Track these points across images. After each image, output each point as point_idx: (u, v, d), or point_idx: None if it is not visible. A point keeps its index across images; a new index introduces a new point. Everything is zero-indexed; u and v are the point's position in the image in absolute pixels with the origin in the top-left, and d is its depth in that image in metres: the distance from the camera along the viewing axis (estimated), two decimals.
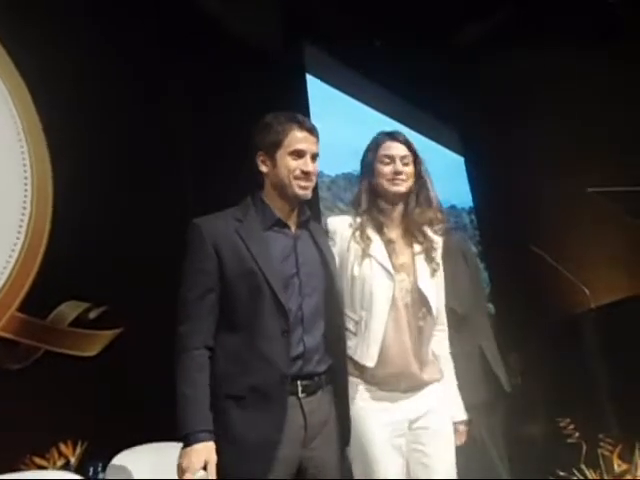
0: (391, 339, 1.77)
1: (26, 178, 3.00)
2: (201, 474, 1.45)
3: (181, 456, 1.48)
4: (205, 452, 1.46)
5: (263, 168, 1.70)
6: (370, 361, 1.75)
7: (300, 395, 1.58)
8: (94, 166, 3.23)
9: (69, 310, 3.05)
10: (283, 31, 4.82)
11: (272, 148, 1.68)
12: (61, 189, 3.12)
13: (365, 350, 1.75)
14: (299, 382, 1.58)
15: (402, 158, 1.88)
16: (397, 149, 1.89)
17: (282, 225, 1.69)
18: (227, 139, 3.95)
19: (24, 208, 2.97)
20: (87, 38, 3.38)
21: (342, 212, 2.24)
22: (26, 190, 2.99)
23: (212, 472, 1.46)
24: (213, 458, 1.47)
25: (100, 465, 2.68)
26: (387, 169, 1.87)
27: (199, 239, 1.62)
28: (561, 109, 5.57)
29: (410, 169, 1.90)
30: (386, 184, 1.87)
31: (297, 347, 1.59)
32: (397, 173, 1.85)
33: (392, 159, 1.87)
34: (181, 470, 1.47)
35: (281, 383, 1.53)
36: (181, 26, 3.90)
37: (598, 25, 5.36)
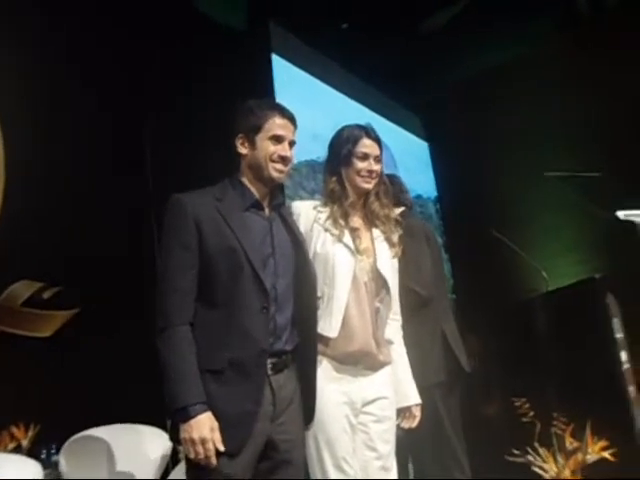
0: (353, 313, 1.83)
1: None
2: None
3: (186, 430, 1.48)
4: (209, 422, 1.49)
5: (242, 150, 1.73)
6: (332, 332, 1.79)
7: (269, 372, 1.61)
8: (50, 143, 3.13)
9: (22, 289, 2.97)
10: (249, 10, 4.74)
11: (252, 131, 1.71)
12: (13, 166, 3.02)
13: (328, 322, 1.80)
14: (268, 360, 1.61)
15: (375, 157, 1.97)
16: (373, 148, 1.96)
17: (259, 207, 1.74)
18: (191, 117, 3.89)
19: None
20: (47, 16, 3.27)
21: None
22: None
23: (218, 440, 1.49)
24: (217, 427, 1.51)
25: (54, 447, 2.63)
26: (361, 165, 1.93)
27: (181, 214, 1.61)
28: (525, 95, 5.65)
29: (379, 168, 1.98)
30: (358, 179, 1.93)
31: (269, 325, 1.62)
32: (370, 172, 1.93)
33: (367, 157, 1.94)
34: (193, 443, 1.47)
35: (259, 357, 1.57)
36: (146, 4, 3.80)
37: (559, 12, 5.46)
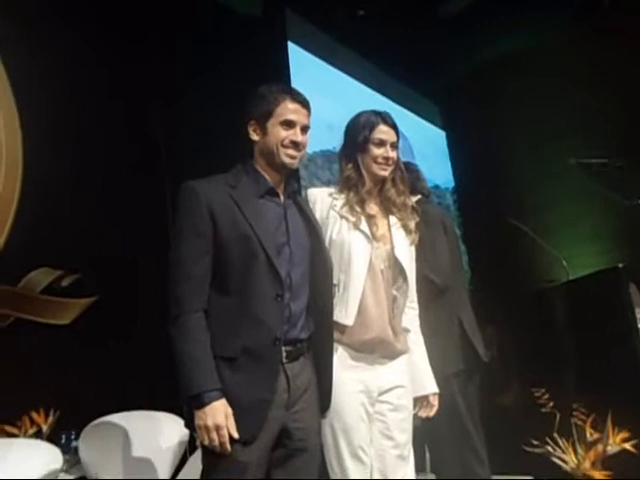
0: (369, 301, 1.81)
1: None
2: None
3: (200, 417, 1.48)
4: (224, 409, 1.49)
5: (254, 136, 1.72)
6: (349, 319, 1.78)
7: (284, 360, 1.61)
8: (67, 131, 3.14)
9: (41, 277, 2.99)
10: None
11: (264, 117, 1.69)
12: (31, 153, 3.04)
13: (344, 309, 1.79)
14: (283, 348, 1.60)
15: (392, 144, 1.95)
16: (389, 134, 1.94)
17: (273, 194, 1.71)
18: (206, 105, 3.89)
19: None
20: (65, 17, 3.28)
21: None
22: None
23: (232, 427, 1.49)
24: (231, 414, 1.50)
25: (73, 433, 2.66)
26: (378, 152, 1.92)
27: (195, 201, 1.60)
28: (543, 83, 5.55)
29: (395, 154, 1.96)
30: (374, 166, 1.92)
31: (284, 312, 1.62)
32: (386, 159, 1.92)
33: (384, 143, 1.93)
34: (208, 429, 1.48)
35: (273, 345, 1.56)
36: None
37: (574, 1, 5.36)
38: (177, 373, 1.52)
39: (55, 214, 3.02)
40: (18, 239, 2.91)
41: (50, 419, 2.73)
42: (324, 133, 3.82)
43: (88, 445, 2.47)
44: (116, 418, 2.52)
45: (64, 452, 2.49)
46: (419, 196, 2.29)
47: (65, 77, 3.21)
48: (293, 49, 4.71)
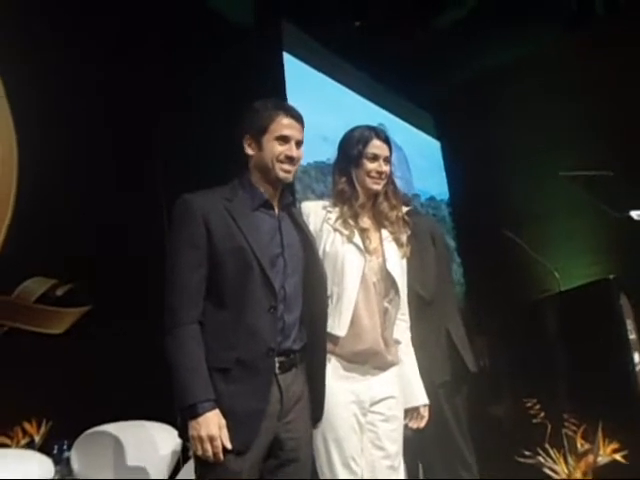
0: (362, 312, 1.84)
1: None
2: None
3: (194, 427, 1.50)
4: (217, 419, 1.51)
5: (249, 151, 1.75)
6: (341, 330, 1.80)
7: (277, 371, 1.61)
8: (61, 140, 3.15)
9: (35, 286, 2.99)
10: (259, 7, 4.75)
11: (259, 132, 1.72)
12: (26, 163, 3.04)
13: (337, 320, 1.81)
14: (276, 358, 1.62)
15: (385, 158, 1.98)
16: (383, 150, 1.97)
17: (268, 206, 1.74)
18: (202, 115, 3.91)
19: None
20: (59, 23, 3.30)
21: None
22: None
23: (226, 438, 1.51)
24: (224, 425, 1.51)
25: (66, 443, 2.65)
26: (371, 166, 1.94)
27: (190, 214, 1.63)
28: (538, 94, 5.61)
29: (388, 169, 1.99)
30: (368, 180, 1.95)
31: (278, 324, 1.64)
32: (380, 173, 1.95)
33: (377, 158, 1.96)
34: (201, 440, 1.49)
35: (267, 356, 1.58)
36: (154, 1, 3.82)
37: (569, 11, 5.41)
38: (171, 383, 1.53)
39: (49, 223, 3.02)
40: (12, 248, 2.91)
41: (42, 429, 2.72)
42: (319, 145, 3.85)
43: (80, 455, 2.47)
44: (109, 428, 2.52)
45: (56, 462, 2.49)
46: (409, 207, 2.31)
47: (60, 86, 3.23)
48: (289, 60, 4.74)
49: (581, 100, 5.32)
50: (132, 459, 2.47)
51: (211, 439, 1.49)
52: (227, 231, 1.62)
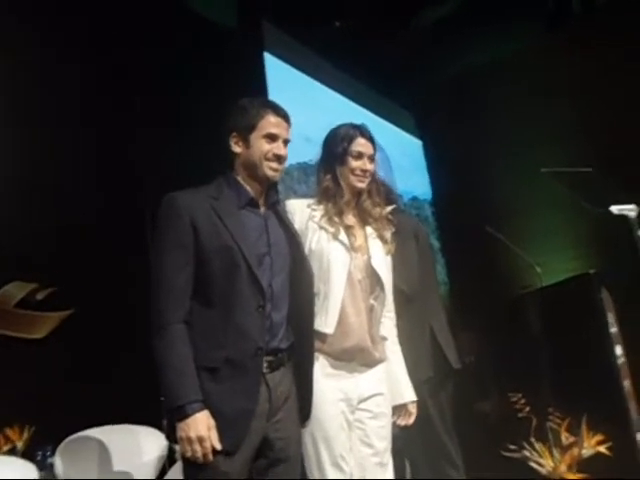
0: (348, 310, 1.84)
1: None
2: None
3: (183, 429, 1.48)
4: (206, 420, 1.50)
5: (236, 149, 1.74)
6: (329, 328, 1.80)
7: (264, 370, 1.60)
8: (40, 144, 3.11)
9: (15, 291, 2.95)
10: (240, 7, 4.73)
11: (246, 130, 1.72)
12: (4, 166, 3.00)
13: (324, 318, 1.81)
14: (264, 358, 1.60)
15: (369, 156, 1.99)
16: (367, 148, 1.98)
17: (254, 205, 1.73)
18: (184, 115, 3.88)
19: None
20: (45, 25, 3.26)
21: None
22: None
23: (215, 439, 1.50)
24: (213, 425, 1.50)
25: (49, 449, 2.62)
26: (356, 164, 1.95)
27: (176, 213, 1.62)
28: (518, 93, 5.66)
29: (372, 167, 2.00)
30: (352, 178, 1.96)
31: (265, 323, 1.63)
32: (364, 171, 1.96)
33: (361, 156, 1.97)
34: (190, 441, 1.47)
35: (255, 355, 1.58)
36: (138, 3, 3.78)
37: (552, 10, 5.48)
38: (156, 386, 1.52)
39: (30, 227, 2.98)
40: None
41: (25, 435, 2.68)
42: (301, 145, 3.83)
43: (65, 461, 2.45)
44: (93, 432, 2.49)
45: (40, 469, 2.46)
46: (393, 206, 2.32)
47: (39, 86, 3.19)
48: (270, 60, 4.73)
49: (562, 98, 5.38)
50: (117, 463, 2.45)
51: (200, 440, 1.47)
52: (213, 229, 1.61)
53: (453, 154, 6.17)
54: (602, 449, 2.74)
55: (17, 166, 3.03)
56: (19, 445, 2.66)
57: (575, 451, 2.77)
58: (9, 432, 2.66)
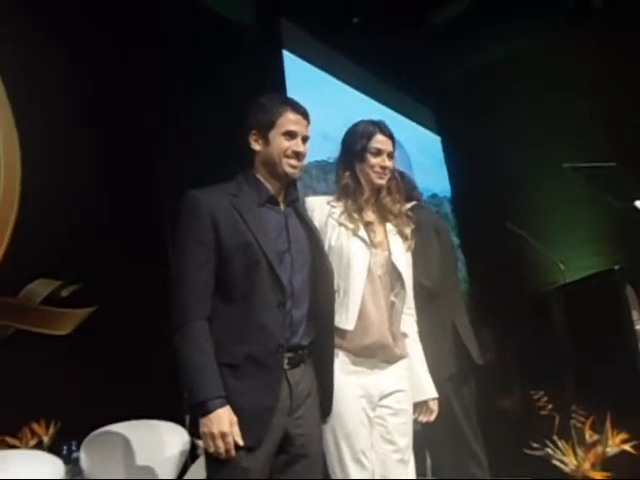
0: (369, 306, 1.84)
1: None
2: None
3: (205, 424, 1.50)
4: (228, 416, 1.51)
5: (256, 146, 1.75)
6: (349, 324, 1.80)
7: (285, 367, 1.61)
8: (64, 142, 3.15)
9: (40, 288, 2.99)
10: (258, 5, 4.75)
11: (266, 128, 1.72)
12: (30, 164, 3.05)
13: (344, 314, 1.81)
14: (285, 354, 1.61)
15: (389, 153, 1.99)
16: (387, 144, 1.98)
17: (274, 202, 1.74)
18: (202, 113, 3.91)
19: None
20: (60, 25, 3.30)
21: None
22: None
23: (237, 434, 1.50)
24: (235, 421, 1.51)
25: (74, 443, 2.66)
26: (375, 161, 1.94)
27: (197, 210, 1.63)
28: (539, 87, 5.60)
29: (392, 163, 2.00)
30: (372, 175, 1.95)
31: (286, 320, 1.64)
32: (383, 168, 1.95)
33: (381, 153, 1.96)
34: (213, 437, 1.49)
35: (276, 352, 1.58)
36: (155, 2, 3.81)
37: (567, 6, 5.42)
38: (179, 382, 1.53)
39: (54, 225, 3.03)
40: (17, 250, 2.92)
41: (51, 430, 2.73)
42: (319, 143, 3.83)
43: (89, 455, 2.47)
44: (117, 428, 2.52)
45: (66, 463, 2.50)
46: (413, 202, 2.31)
47: (60, 88, 3.23)
48: (288, 58, 4.74)
49: (582, 93, 5.31)
50: (140, 458, 2.47)
51: (223, 435, 1.49)
52: (234, 227, 1.62)
53: (472, 150, 6.12)
54: (627, 447, 2.70)
55: (45, 166, 3.07)
56: (45, 440, 2.71)
57: (599, 449, 2.74)
58: (36, 427, 2.71)
